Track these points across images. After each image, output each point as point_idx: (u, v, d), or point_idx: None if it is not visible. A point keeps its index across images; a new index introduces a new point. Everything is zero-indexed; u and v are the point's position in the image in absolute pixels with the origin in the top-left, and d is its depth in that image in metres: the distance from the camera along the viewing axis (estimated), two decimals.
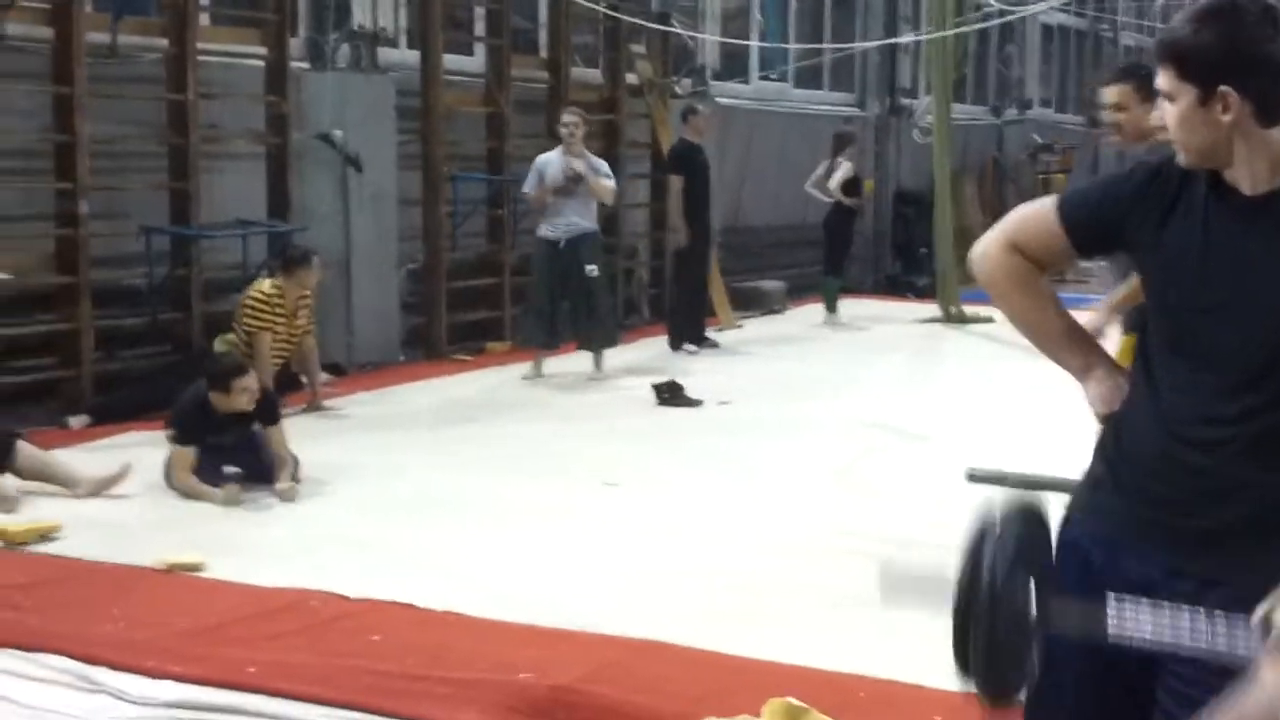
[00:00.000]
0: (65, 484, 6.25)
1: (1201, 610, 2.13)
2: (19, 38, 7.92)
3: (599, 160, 9.61)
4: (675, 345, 10.89)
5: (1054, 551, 2.37)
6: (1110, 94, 5.10)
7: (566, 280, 9.42)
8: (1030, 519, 2.33)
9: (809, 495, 6.55)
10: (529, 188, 9.41)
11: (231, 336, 8.00)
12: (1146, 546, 2.26)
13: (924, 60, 15.98)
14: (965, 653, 2.23)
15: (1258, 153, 2.20)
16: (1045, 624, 2.29)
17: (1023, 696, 2.35)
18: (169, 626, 4.58)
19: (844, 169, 12.59)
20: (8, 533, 5.55)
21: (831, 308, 12.73)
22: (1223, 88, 2.17)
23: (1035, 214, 2.46)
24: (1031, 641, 2.29)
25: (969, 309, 12.56)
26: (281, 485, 6.32)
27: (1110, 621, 2.19)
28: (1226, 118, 2.18)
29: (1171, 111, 2.22)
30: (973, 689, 2.26)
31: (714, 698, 3.97)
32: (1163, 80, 2.24)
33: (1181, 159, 2.27)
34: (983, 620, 2.20)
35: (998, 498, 2.35)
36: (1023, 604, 2.24)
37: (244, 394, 6.32)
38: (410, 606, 4.84)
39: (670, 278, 11.39)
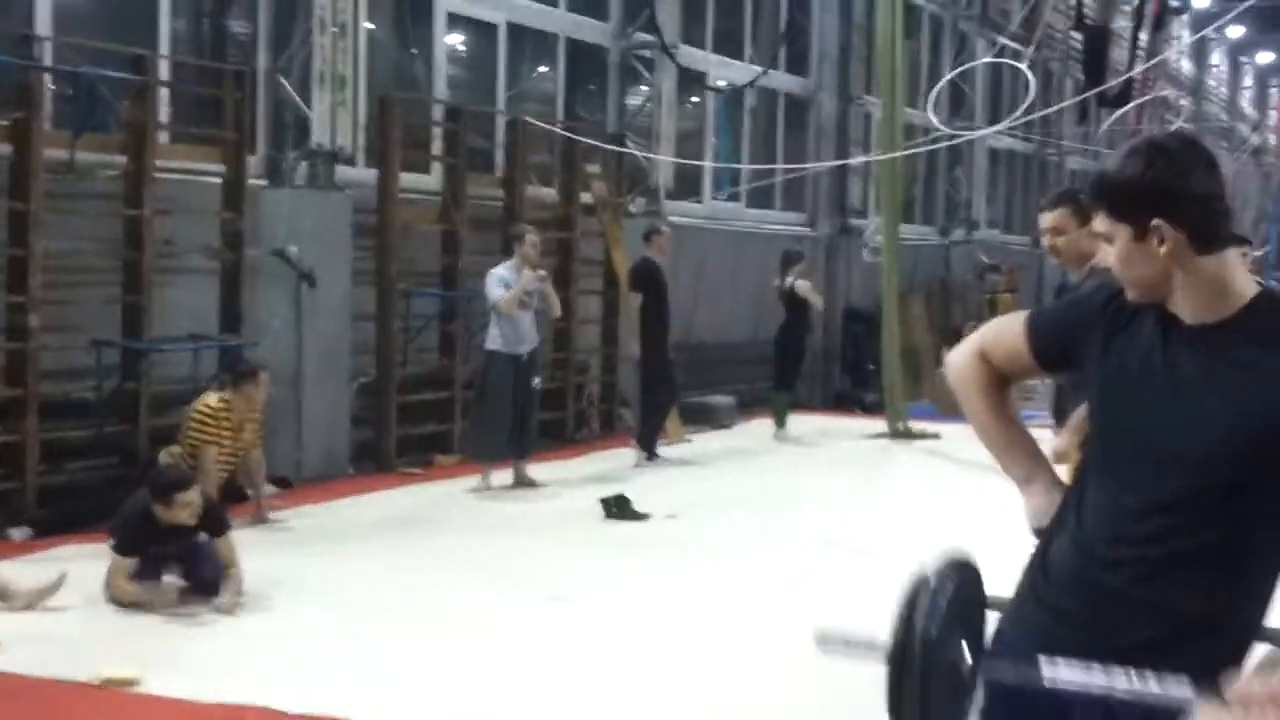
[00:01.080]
0: (0, 596, 6.20)
1: (1133, 670, 2.14)
2: None
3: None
4: (645, 456, 11.02)
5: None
6: (1048, 219, 5.21)
7: (519, 393, 9.56)
8: (963, 571, 2.35)
9: (757, 610, 6.58)
10: (499, 295, 9.47)
11: (176, 449, 8.00)
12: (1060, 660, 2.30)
13: (873, 181, 16.32)
14: (900, 706, 2.23)
15: (1197, 281, 2.26)
16: (979, 676, 2.31)
17: None
18: None
19: (798, 287, 12.80)
20: None
21: (781, 423, 12.85)
22: (1155, 221, 2.23)
23: (1006, 327, 2.59)
24: (967, 695, 2.30)
25: (916, 425, 12.70)
26: (223, 599, 6.30)
27: (1044, 672, 2.21)
28: (1163, 250, 2.25)
29: (1112, 251, 2.31)
30: None
31: None
32: (1099, 222, 2.33)
33: (1130, 295, 2.35)
34: (915, 672, 2.20)
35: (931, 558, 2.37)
36: (956, 656, 2.26)
37: (186, 508, 6.31)
38: None
39: (639, 390, 11.51)
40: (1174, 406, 2.27)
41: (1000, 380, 2.58)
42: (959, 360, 2.62)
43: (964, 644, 2.29)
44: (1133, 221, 2.25)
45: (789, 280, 12.73)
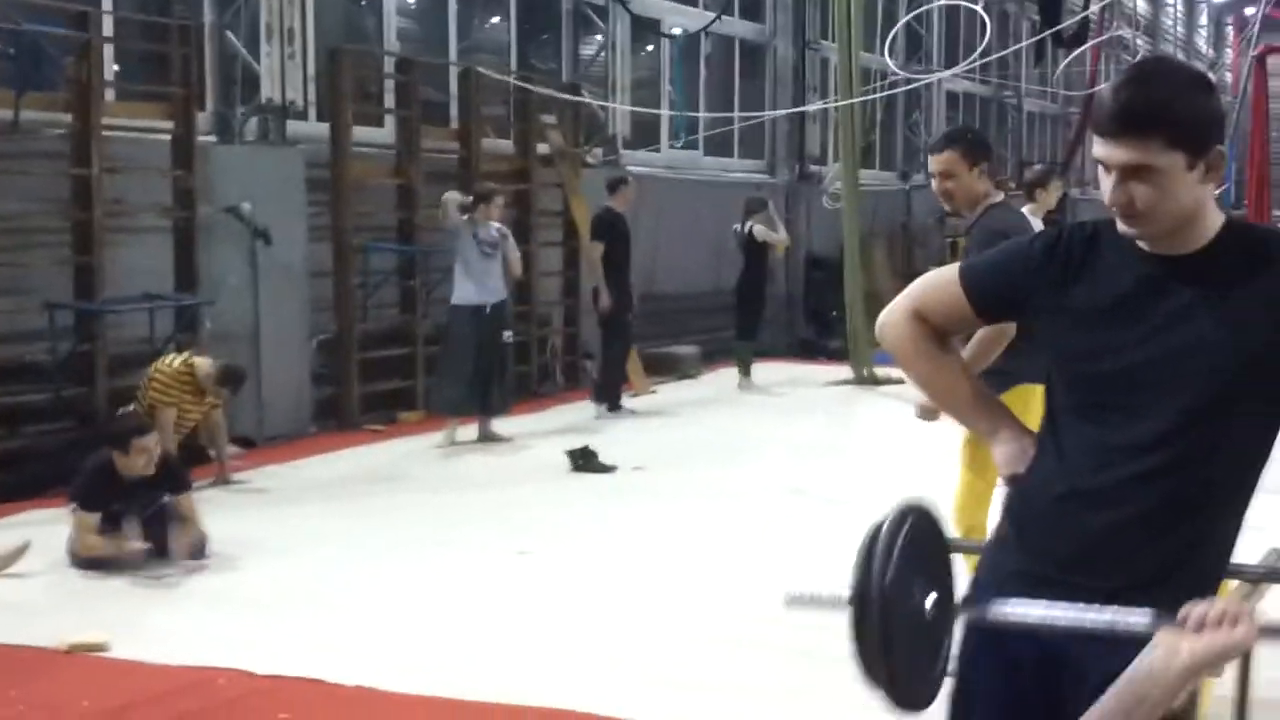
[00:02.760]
0: None
1: (1099, 604, 2.12)
2: None
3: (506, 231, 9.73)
4: (606, 408, 10.95)
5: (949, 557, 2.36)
6: (938, 162, 4.87)
7: (484, 346, 9.46)
8: (920, 515, 2.28)
9: (724, 560, 6.56)
10: (453, 215, 9.38)
11: (134, 408, 7.89)
12: None
13: (832, 127, 16.26)
14: (864, 651, 2.18)
15: (1203, 209, 2.23)
16: (952, 620, 2.27)
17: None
18: (71, 709, 4.50)
19: (756, 232, 12.74)
20: None
21: (745, 372, 12.82)
22: (1217, 148, 2.19)
23: (939, 282, 2.50)
24: (934, 640, 2.26)
25: (880, 371, 12.71)
26: (185, 559, 6.22)
27: (1008, 609, 2.19)
28: (1209, 178, 2.20)
29: (1150, 183, 2.17)
30: (880, 697, 2.21)
31: None
32: (1134, 153, 2.16)
33: (1139, 232, 2.23)
34: (875, 614, 2.15)
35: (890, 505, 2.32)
36: (918, 598, 2.21)
37: (143, 454, 6.22)
38: (319, 682, 4.79)
39: (600, 343, 11.46)
40: (1164, 337, 2.23)
41: (940, 337, 2.50)
42: (894, 324, 2.51)
43: (928, 587, 2.24)
44: (1193, 150, 2.16)
45: (749, 226, 12.65)
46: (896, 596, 2.17)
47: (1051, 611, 2.16)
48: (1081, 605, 2.14)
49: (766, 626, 5.34)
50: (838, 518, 7.36)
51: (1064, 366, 2.35)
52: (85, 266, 8.58)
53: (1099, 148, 2.21)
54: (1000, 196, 5.06)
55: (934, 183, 4.95)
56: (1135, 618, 2.05)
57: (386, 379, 10.83)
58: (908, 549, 2.19)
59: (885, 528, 2.21)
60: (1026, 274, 2.37)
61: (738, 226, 12.80)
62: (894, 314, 2.51)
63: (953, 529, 5.02)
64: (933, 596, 2.24)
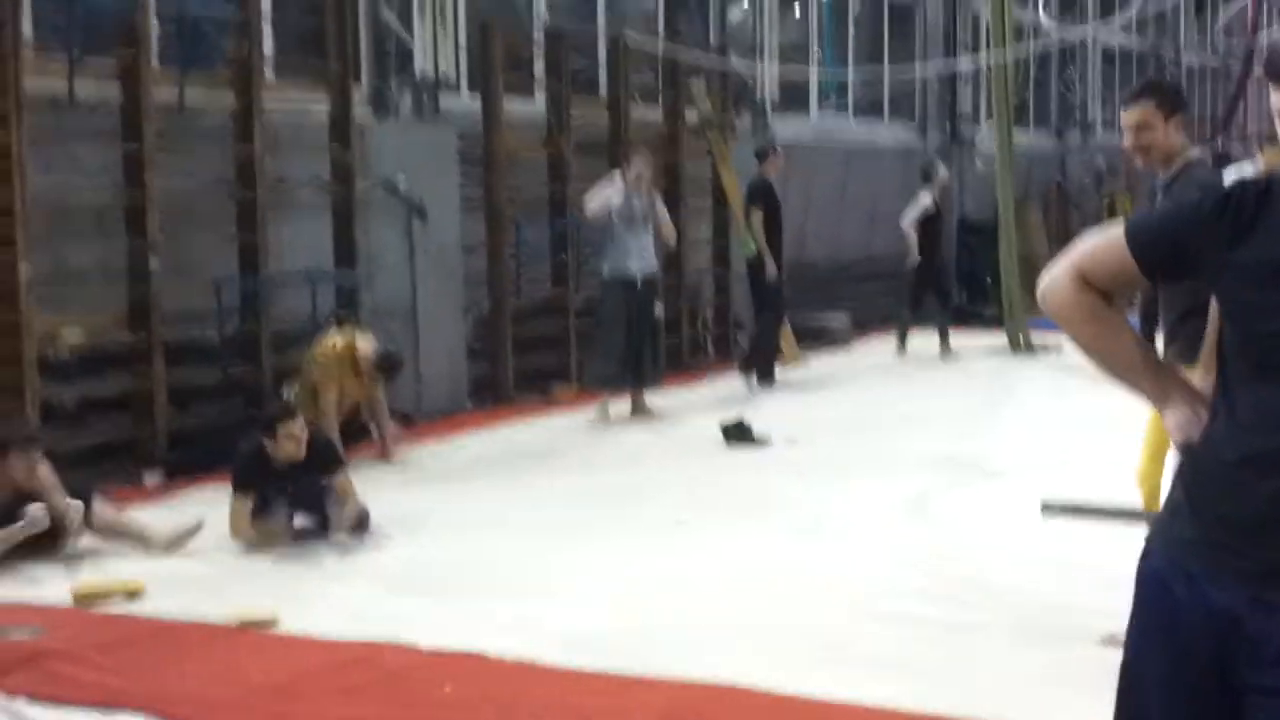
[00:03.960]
0: (139, 541, 6.31)
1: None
2: (88, 98, 8.05)
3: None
4: (757, 380, 10.88)
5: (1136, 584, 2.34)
6: (1132, 115, 4.61)
7: (635, 320, 9.46)
8: None
9: (881, 534, 6.48)
10: (596, 206, 9.40)
11: (295, 389, 8.05)
12: (1225, 576, 2.22)
13: (984, 87, 15.89)
14: None
15: None
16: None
17: None
18: (243, 683, 4.60)
19: (919, 205, 12.52)
20: (93, 592, 5.63)
21: (902, 342, 12.62)
22: None
23: (1104, 243, 2.43)
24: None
25: (1036, 338, 12.42)
26: (344, 535, 6.35)
27: None
28: None
29: None
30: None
31: None
32: None
33: None
34: None
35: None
36: None
37: (290, 440, 6.34)
38: (481, 657, 4.83)
39: (752, 314, 11.37)
40: None
41: (1105, 300, 2.43)
42: (1057, 288, 2.44)
43: None
44: None
45: (910, 212, 12.47)
46: None
47: None
48: None
49: (927, 601, 5.27)
50: (996, 490, 7.23)
51: (1236, 326, 2.28)
52: (249, 244, 8.76)
53: (1276, 98, 2.13)
54: (1198, 151, 4.82)
55: (1126, 138, 4.66)
56: None
57: (540, 353, 10.90)
58: None
59: None
60: (1196, 232, 2.30)
61: (927, 200, 12.57)
62: (1057, 277, 2.45)
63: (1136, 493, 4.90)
64: None
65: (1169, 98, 4.64)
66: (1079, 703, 3.50)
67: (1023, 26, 15.79)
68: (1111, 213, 16.57)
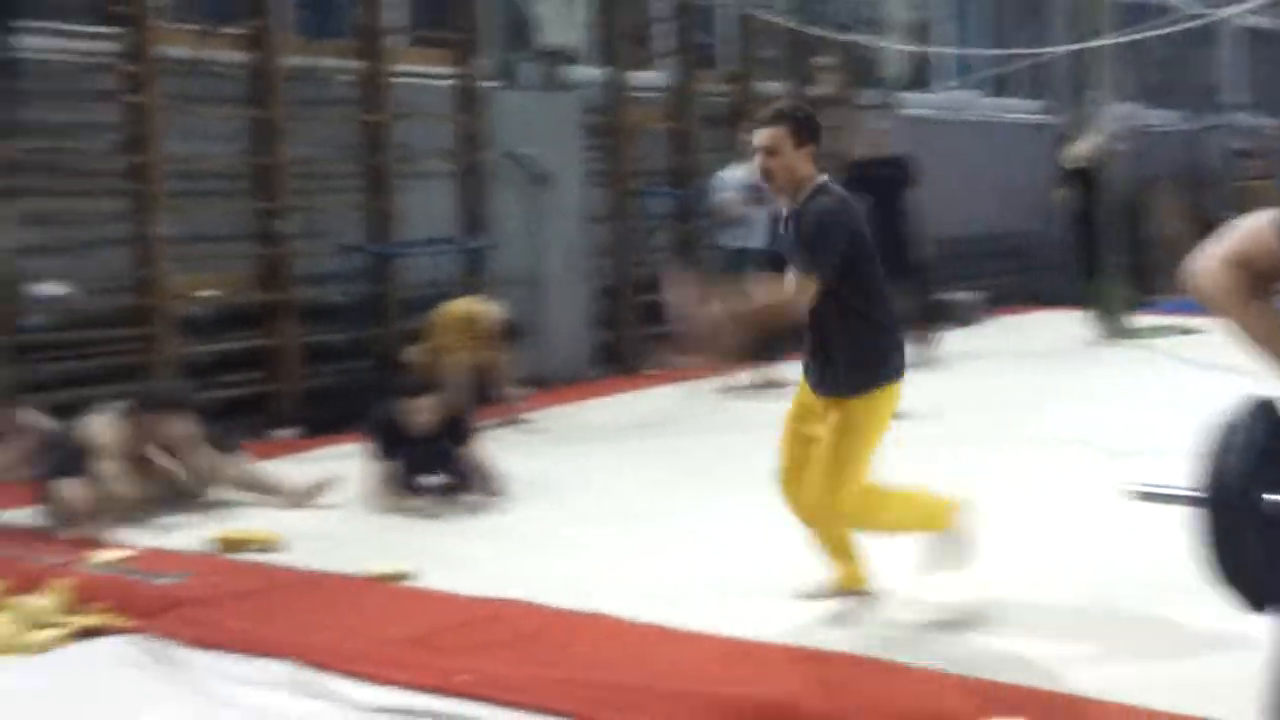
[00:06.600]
0: (273, 495, 6.39)
1: None
2: (218, 63, 8.16)
3: None
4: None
5: None
6: (761, 138, 4.56)
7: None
8: (1270, 410, 2.19)
9: (1005, 512, 6.33)
10: (721, 199, 9.40)
11: (423, 351, 8.10)
12: None
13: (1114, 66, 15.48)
14: (1216, 556, 2.12)
15: None
16: None
17: None
18: (380, 635, 4.62)
19: (1088, 141, 12.08)
20: (234, 539, 5.74)
21: (1111, 313, 12.07)
22: None
23: (1260, 230, 2.38)
24: None
25: (1170, 320, 12.09)
26: (480, 495, 6.39)
27: None
28: None
29: None
30: (1232, 598, 2.14)
31: (927, 714, 3.83)
32: None
33: None
34: (1225, 514, 2.09)
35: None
36: (1271, 499, 2.13)
37: (420, 414, 6.39)
38: (611, 618, 4.80)
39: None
40: None
41: (1257, 285, 2.38)
42: (1209, 272, 2.40)
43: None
44: None
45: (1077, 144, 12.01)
46: (1250, 491, 2.10)
47: None
48: None
49: (1058, 577, 5.15)
50: (1122, 471, 7.02)
51: None
52: (377, 211, 8.84)
53: None
54: (826, 178, 4.69)
55: (756, 158, 4.61)
56: None
57: (662, 323, 10.84)
58: (1260, 443, 2.13)
59: (1237, 423, 2.15)
60: None
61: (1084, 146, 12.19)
62: (1209, 261, 2.41)
63: None
64: None
65: (801, 126, 4.56)
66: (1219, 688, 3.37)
67: (1157, 4, 15.37)
68: (1246, 195, 16.07)
